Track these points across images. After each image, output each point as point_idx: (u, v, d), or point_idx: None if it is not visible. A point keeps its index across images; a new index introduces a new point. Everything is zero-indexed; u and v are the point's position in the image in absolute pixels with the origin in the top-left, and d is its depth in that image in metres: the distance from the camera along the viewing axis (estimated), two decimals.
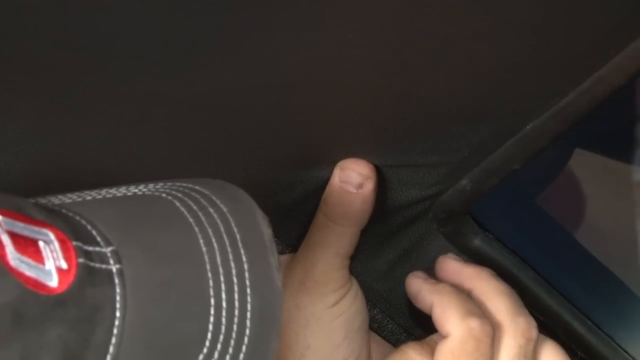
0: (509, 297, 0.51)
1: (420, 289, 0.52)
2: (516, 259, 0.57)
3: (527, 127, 0.49)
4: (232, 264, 0.36)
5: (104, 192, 0.38)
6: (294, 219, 0.56)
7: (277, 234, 0.56)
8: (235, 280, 0.36)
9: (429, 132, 0.50)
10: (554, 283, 0.58)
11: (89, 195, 0.37)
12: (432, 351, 0.50)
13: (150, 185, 0.38)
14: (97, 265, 0.34)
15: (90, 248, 0.34)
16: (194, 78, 0.45)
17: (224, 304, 0.35)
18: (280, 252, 0.57)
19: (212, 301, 0.35)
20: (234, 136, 0.49)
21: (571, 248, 0.67)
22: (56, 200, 0.37)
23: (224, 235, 0.36)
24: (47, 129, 0.47)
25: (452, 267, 0.54)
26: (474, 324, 0.49)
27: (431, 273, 0.56)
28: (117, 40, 0.42)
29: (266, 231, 0.38)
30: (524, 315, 0.51)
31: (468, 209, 0.55)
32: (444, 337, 0.50)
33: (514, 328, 0.50)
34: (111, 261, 0.34)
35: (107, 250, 0.34)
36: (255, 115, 0.48)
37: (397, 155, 0.52)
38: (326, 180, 0.53)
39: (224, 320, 0.35)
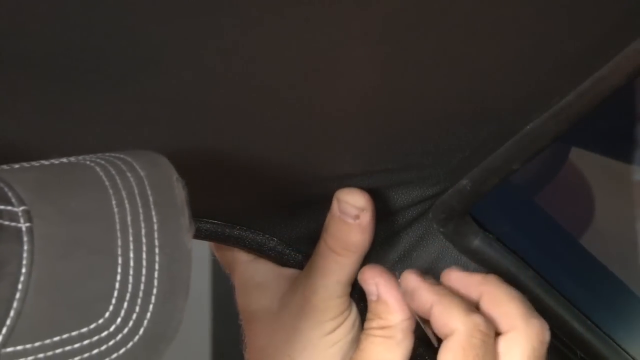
0: (520, 301, 0.51)
1: (419, 287, 0.52)
2: (516, 259, 0.57)
3: (527, 127, 0.49)
4: (142, 224, 0.37)
5: (34, 162, 0.39)
6: (294, 220, 0.56)
7: (279, 234, 0.56)
8: (144, 239, 0.36)
9: (429, 132, 0.50)
10: (554, 283, 0.58)
11: (19, 164, 0.38)
12: (395, 336, 0.51)
13: (80, 157, 0.40)
14: (6, 223, 0.34)
15: (1, 207, 0.35)
16: (194, 79, 0.45)
17: (131, 263, 0.36)
18: (281, 252, 0.57)
19: (120, 259, 0.36)
20: (235, 137, 0.49)
21: (571, 248, 0.67)
22: None
23: (137, 197, 0.37)
24: (47, 129, 0.47)
25: (458, 276, 0.53)
26: (479, 319, 0.49)
27: (431, 274, 0.56)
28: (117, 40, 0.42)
29: (179, 193, 0.38)
30: (538, 318, 0.51)
31: (468, 209, 0.55)
32: (442, 333, 0.50)
33: (528, 331, 0.50)
34: (21, 220, 0.35)
35: (19, 209, 0.35)
36: (256, 116, 0.48)
37: (398, 156, 0.52)
38: (326, 182, 0.54)
39: (131, 278, 0.36)
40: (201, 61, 0.44)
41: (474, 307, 0.51)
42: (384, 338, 0.51)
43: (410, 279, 0.53)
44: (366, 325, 0.52)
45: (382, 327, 0.51)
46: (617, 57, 0.45)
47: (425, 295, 0.52)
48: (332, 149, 0.52)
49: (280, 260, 0.57)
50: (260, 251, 0.57)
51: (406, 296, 0.53)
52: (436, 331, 0.51)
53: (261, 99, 0.47)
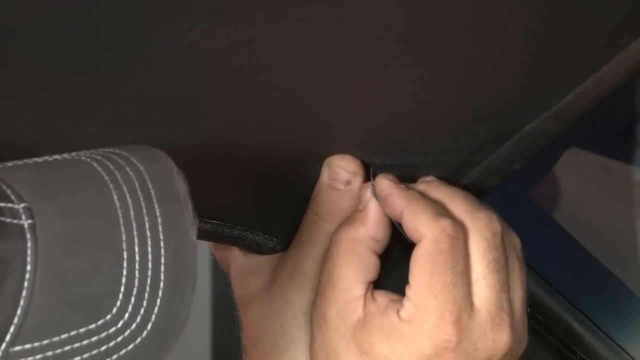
0: (464, 198, 0.50)
1: (391, 192, 0.51)
2: None
3: (527, 127, 0.49)
4: (146, 218, 0.36)
5: (27, 160, 0.38)
6: (293, 220, 0.56)
7: (278, 234, 0.56)
8: (148, 233, 0.36)
9: (428, 132, 0.50)
10: (554, 283, 0.58)
11: (12, 162, 0.38)
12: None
13: (73, 153, 0.39)
14: (8, 220, 0.34)
15: (2, 204, 0.35)
16: (194, 79, 0.45)
17: (137, 257, 0.36)
18: (281, 252, 0.57)
19: (125, 254, 0.35)
20: (234, 137, 0.49)
21: (571, 248, 0.67)
22: None
23: (139, 191, 0.37)
24: (47, 128, 0.47)
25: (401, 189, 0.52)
26: (445, 223, 0.48)
27: None
28: (117, 40, 0.42)
29: (181, 187, 0.38)
30: (483, 211, 0.49)
31: None
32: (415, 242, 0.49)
33: (476, 225, 0.49)
34: (23, 217, 0.34)
35: (20, 206, 0.35)
36: (255, 115, 0.48)
37: (397, 155, 0.52)
38: None
39: (137, 273, 0.35)
40: (201, 61, 0.44)
41: (443, 210, 0.49)
42: (348, 254, 0.50)
43: (384, 184, 0.51)
44: (335, 235, 0.51)
45: (349, 239, 0.50)
46: (617, 57, 0.45)
47: (396, 201, 0.50)
48: (331, 149, 0.52)
49: None
50: (260, 251, 0.57)
51: (380, 202, 0.51)
52: (409, 237, 0.50)
53: (260, 100, 0.47)
